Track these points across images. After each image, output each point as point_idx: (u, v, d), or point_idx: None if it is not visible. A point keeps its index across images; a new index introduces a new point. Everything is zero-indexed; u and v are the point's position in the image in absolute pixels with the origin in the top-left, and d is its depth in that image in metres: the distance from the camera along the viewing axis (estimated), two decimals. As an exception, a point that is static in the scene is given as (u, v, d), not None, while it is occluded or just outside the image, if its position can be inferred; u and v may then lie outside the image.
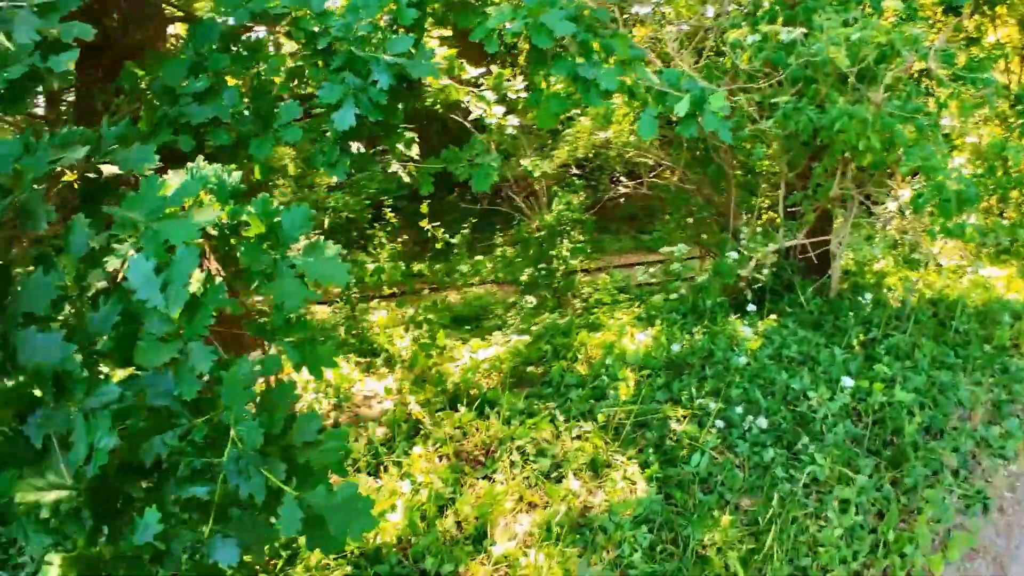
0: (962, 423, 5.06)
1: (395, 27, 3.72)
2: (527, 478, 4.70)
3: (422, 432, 5.31)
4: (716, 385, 5.33)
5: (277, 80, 3.80)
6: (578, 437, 5.07)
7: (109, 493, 2.19)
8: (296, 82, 3.86)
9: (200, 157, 2.61)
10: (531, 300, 7.41)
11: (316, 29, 3.35)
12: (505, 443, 5.04)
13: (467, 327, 9.54)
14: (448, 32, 5.80)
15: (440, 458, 5.06)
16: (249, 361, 2.01)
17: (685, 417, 5.07)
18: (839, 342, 5.88)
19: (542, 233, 8.55)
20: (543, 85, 4.23)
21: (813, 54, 5.18)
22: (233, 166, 2.50)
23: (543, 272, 7.99)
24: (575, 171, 9.23)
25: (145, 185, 2.21)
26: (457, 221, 13.35)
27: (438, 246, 8.98)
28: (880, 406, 4.97)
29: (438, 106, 7.02)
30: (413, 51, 3.50)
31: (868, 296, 6.26)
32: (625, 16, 8.00)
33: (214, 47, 3.28)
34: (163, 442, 2.12)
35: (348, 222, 9.17)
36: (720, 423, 4.88)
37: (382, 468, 5.04)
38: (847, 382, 4.97)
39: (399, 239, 10.39)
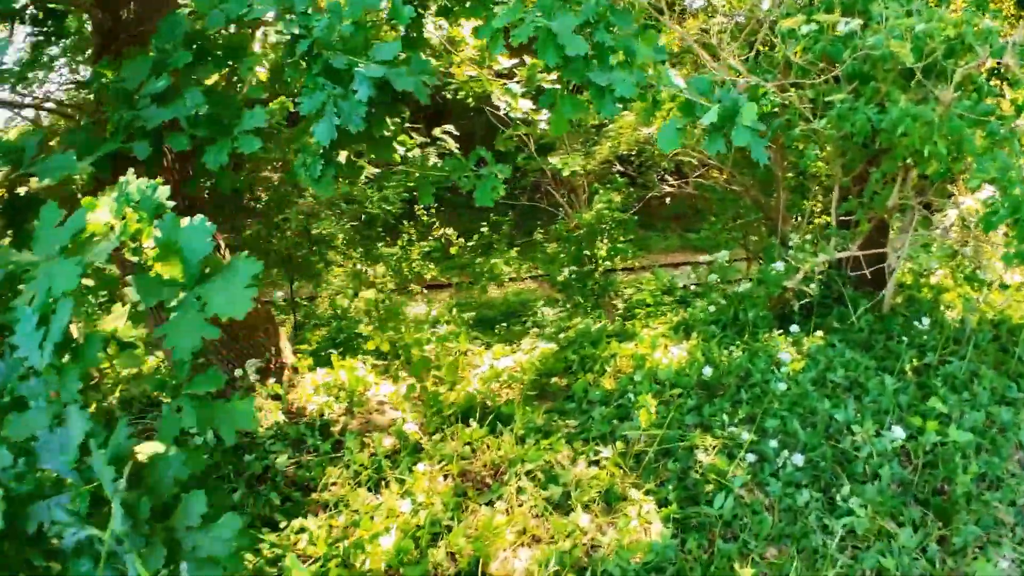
0: (1022, 470, 4.45)
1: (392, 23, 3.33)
2: (534, 507, 4.31)
3: (428, 448, 4.97)
4: (751, 412, 4.83)
5: (263, 77, 3.44)
6: (595, 463, 4.64)
7: (8, 563, 1.90)
8: (278, 85, 3.50)
9: (130, 171, 2.27)
10: (549, 312, 6.96)
11: (296, 31, 2.98)
12: (515, 465, 4.65)
13: (502, 324, 9.19)
14: (480, 21, 5.41)
15: (445, 477, 4.70)
16: (127, 428, 1.65)
17: (714, 447, 4.60)
18: (891, 367, 5.30)
19: (581, 232, 8.08)
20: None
21: (872, 47, 4.61)
22: (159, 180, 2.15)
23: (574, 275, 7.53)
24: (619, 167, 8.71)
25: (44, 215, 1.87)
26: (500, 214, 12.97)
27: (453, 251, 8.59)
28: (932, 446, 4.41)
29: (470, 99, 6.61)
30: (402, 56, 3.11)
31: (926, 321, 5.63)
32: (677, 8, 7.46)
33: (179, 43, 2.92)
34: (48, 508, 1.80)
35: (385, 214, 8.86)
36: (752, 457, 4.39)
37: (383, 484, 4.72)
38: (898, 433, 4.41)
39: (442, 231, 10.05)
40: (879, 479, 4.23)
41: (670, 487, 4.32)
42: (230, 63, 3.34)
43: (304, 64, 2.99)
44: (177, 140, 2.98)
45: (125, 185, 2.17)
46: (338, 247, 8.33)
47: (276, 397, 5.75)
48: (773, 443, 4.43)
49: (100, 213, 2.08)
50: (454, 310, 8.01)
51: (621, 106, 3.44)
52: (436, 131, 8.13)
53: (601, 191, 8.18)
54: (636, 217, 8.68)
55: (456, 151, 7.99)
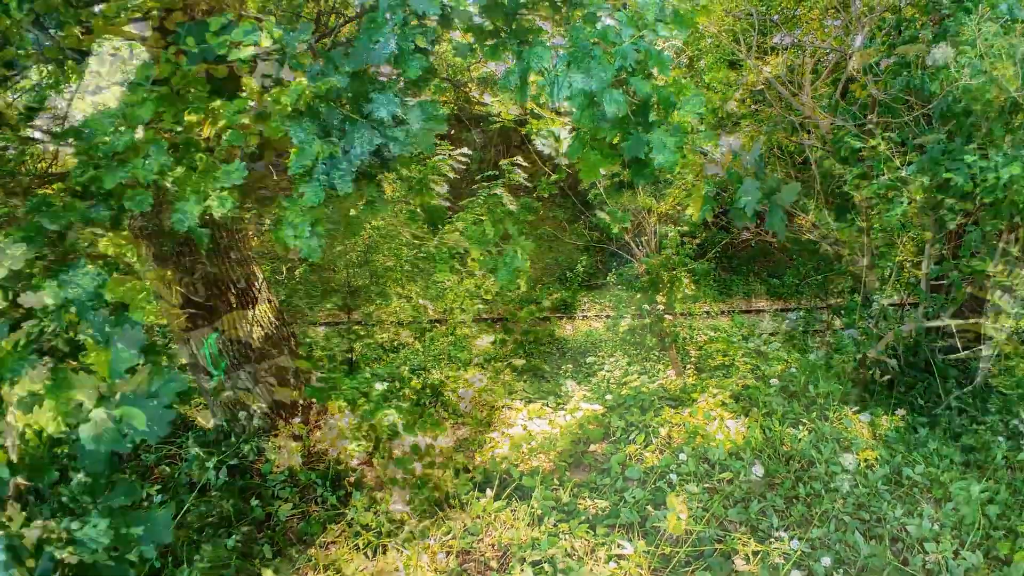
0: None
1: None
2: (534, 608, 3.50)
3: (440, 515, 4.24)
4: (807, 513, 3.86)
5: (247, 121, 2.85)
6: (617, 557, 3.79)
7: None
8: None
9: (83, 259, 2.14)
10: (614, 360, 6.10)
11: (283, 76, 2.42)
12: (524, 550, 3.86)
13: (568, 365, 8.38)
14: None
15: (447, 554, 3.96)
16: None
17: (756, 555, 3.65)
18: (981, 461, 4.19)
19: (648, 277, 7.18)
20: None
21: (970, 73, 3.60)
22: (99, 269, 1.77)
23: (629, 333, 6.63)
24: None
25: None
26: (584, 250, 12.15)
27: (486, 295, 7.82)
28: (1027, 580, 3.33)
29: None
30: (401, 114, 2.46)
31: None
32: (767, 46, 6.52)
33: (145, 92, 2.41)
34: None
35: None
36: (797, 575, 3.42)
37: (383, 550, 4.04)
38: (972, 560, 3.35)
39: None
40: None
41: (695, 604, 3.42)
42: (210, 108, 2.76)
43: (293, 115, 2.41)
44: (137, 200, 2.45)
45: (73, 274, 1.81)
46: (398, 279, 7.76)
47: (297, 438, 5.18)
48: (826, 560, 3.45)
49: (43, 296, 2.01)
50: (505, 347, 7.22)
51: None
52: (503, 163, 7.44)
53: (671, 234, 7.27)
54: (712, 262, 7.71)
55: (526, 183, 7.28)
